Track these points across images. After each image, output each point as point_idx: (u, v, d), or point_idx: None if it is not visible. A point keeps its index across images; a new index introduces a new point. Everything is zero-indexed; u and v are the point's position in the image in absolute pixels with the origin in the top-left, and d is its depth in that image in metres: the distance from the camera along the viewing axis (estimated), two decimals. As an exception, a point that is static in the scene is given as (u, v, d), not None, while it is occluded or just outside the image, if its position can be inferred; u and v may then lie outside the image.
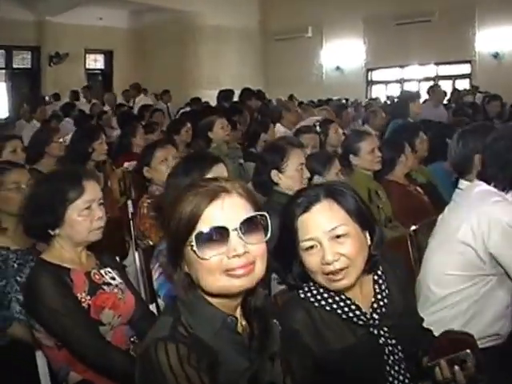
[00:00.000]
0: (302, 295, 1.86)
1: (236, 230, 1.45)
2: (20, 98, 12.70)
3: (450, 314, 2.52)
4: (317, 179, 3.63)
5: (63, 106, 10.04)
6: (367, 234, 1.84)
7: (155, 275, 2.53)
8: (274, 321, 1.65)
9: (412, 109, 6.19)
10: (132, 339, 2.31)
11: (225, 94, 10.38)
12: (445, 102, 10.71)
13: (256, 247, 1.47)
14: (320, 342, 1.80)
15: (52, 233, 2.26)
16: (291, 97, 12.95)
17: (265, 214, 1.50)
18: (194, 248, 1.44)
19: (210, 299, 1.51)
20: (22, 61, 14.22)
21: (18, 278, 2.82)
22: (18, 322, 2.75)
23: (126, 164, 5.28)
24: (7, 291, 2.80)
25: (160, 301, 2.49)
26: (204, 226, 1.45)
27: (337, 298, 1.83)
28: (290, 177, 3.27)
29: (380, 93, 17.11)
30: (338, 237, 1.75)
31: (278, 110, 6.70)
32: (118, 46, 15.66)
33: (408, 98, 6.41)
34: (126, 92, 11.81)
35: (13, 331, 2.73)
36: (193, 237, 1.45)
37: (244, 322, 1.58)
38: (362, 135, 4.29)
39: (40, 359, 2.25)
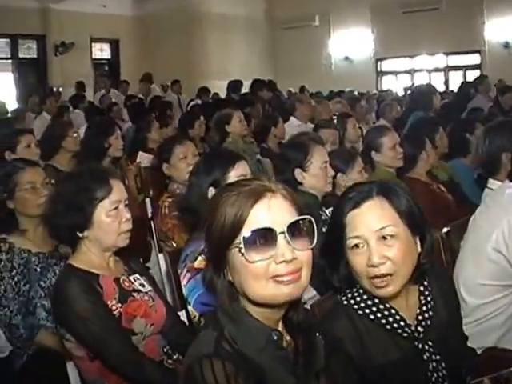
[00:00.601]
0: (345, 302, 1.79)
1: (283, 233, 1.38)
2: (27, 89, 12.60)
3: (485, 326, 2.42)
4: (340, 177, 3.57)
5: (72, 97, 9.93)
6: (417, 240, 1.76)
7: (184, 280, 2.45)
8: (318, 335, 1.59)
9: (434, 102, 6.10)
10: (165, 349, 2.23)
11: (234, 85, 10.30)
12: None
13: (303, 254, 1.40)
14: (363, 353, 1.73)
15: (80, 235, 2.17)
16: (302, 88, 12.80)
17: (311, 218, 1.43)
18: (243, 251, 1.37)
19: (253, 311, 1.44)
20: (28, 50, 14.03)
21: (42, 283, 2.74)
22: (45, 329, 2.68)
23: (139, 157, 5.20)
24: (31, 296, 2.72)
25: (190, 308, 2.40)
26: (250, 229, 1.37)
27: (381, 307, 1.76)
28: (314, 175, 3.17)
29: (390, 84, 17.02)
30: (386, 238, 1.68)
31: (291, 102, 6.57)
32: (124, 34, 15.44)
33: (430, 90, 6.28)
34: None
35: (40, 339, 2.66)
36: (240, 239, 1.37)
37: (288, 338, 1.51)
38: (382, 130, 4.18)
39: (71, 370, 2.17)
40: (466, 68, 16.54)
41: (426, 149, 4.29)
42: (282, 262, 1.37)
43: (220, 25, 15.91)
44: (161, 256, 3.12)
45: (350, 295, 1.79)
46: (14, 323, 2.64)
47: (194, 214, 2.56)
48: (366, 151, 4.10)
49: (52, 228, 2.25)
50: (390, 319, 1.75)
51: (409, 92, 10.94)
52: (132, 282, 2.26)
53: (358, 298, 1.78)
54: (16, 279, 2.69)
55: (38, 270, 2.75)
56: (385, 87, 16.65)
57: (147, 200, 4.34)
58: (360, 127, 5.93)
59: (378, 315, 1.75)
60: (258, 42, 17.28)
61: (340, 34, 17.78)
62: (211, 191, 2.54)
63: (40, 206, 2.75)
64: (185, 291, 2.44)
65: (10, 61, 13.75)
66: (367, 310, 1.76)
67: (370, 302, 1.76)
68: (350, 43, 17.55)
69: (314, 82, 14.72)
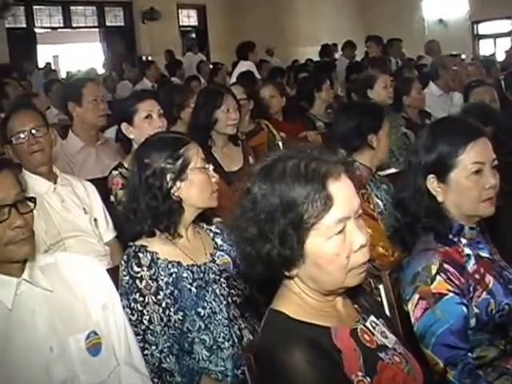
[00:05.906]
0: None
1: None
2: (117, 59, 12.20)
3: None
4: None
5: (168, 64, 9.36)
6: None
7: (417, 312, 1.77)
8: None
9: None
10: None
11: (326, 49, 9.75)
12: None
13: None
14: None
15: (287, 274, 1.38)
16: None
17: None
18: None
19: None
20: (115, 18, 13.66)
21: (200, 310, 2.00)
22: (208, 374, 1.96)
23: None
24: (186, 329, 1.98)
25: (428, 351, 1.73)
26: None
27: None
28: None
29: (488, 48, 15.83)
30: None
31: (434, 67, 5.74)
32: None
33: None
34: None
35: None
36: None
37: None
38: None
39: None
40: None
41: None
42: None
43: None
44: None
45: None
46: (166, 367, 1.92)
47: (412, 212, 1.90)
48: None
49: (239, 253, 1.46)
50: None
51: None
52: (372, 333, 1.46)
53: None
54: (164, 305, 1.96)
55: (193, 290, 2.00)
56: (482, 52, 15.53)
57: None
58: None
59: None
60: (346, 3, 16.35)
61: (434, -6, 16.66)
62: (430, 181, 1.86)
63: (212, 199, 2.09)
64: (418, 328, 1.77)
65: (97, 30, 13.42)
66: None
67: None
68: (444, 5, 16.37)
69: (407, 46, 13.71)
